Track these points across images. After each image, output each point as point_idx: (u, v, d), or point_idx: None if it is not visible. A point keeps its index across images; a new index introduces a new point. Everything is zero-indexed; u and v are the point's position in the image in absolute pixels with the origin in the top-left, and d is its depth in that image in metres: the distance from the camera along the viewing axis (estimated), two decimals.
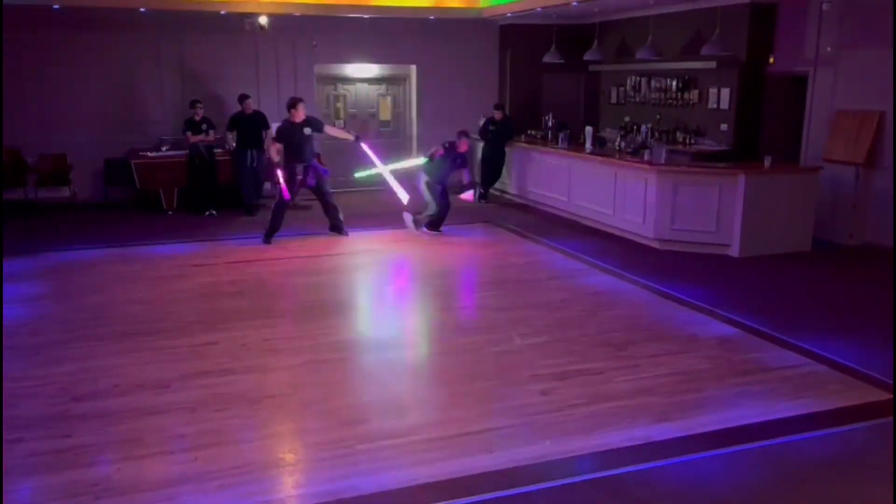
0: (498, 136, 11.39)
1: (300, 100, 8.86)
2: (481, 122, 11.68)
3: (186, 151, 10.54)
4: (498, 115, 11.46)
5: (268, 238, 8.67)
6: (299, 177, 8.74)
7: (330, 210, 9.10)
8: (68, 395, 4.51)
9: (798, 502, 3.47)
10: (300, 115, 8.72)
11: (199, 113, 10.50)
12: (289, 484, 3.64)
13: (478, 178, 11.57)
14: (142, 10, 10.29)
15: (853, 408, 4.38)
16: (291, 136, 8.72)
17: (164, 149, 10.88)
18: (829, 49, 8.76)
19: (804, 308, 6.37)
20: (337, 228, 9.13)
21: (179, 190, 10.65)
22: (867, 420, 4.22)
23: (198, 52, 11.42)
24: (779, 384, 4.70)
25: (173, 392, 4.60)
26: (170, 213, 10.55)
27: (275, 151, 8.91)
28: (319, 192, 9.03)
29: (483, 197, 11.37)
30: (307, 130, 8.78)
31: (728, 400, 4.47)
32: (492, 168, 11.51)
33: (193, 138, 10.44)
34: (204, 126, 10.54)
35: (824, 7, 7.93)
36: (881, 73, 8.16)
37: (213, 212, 10.45)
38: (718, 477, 3.67)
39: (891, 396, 4.52)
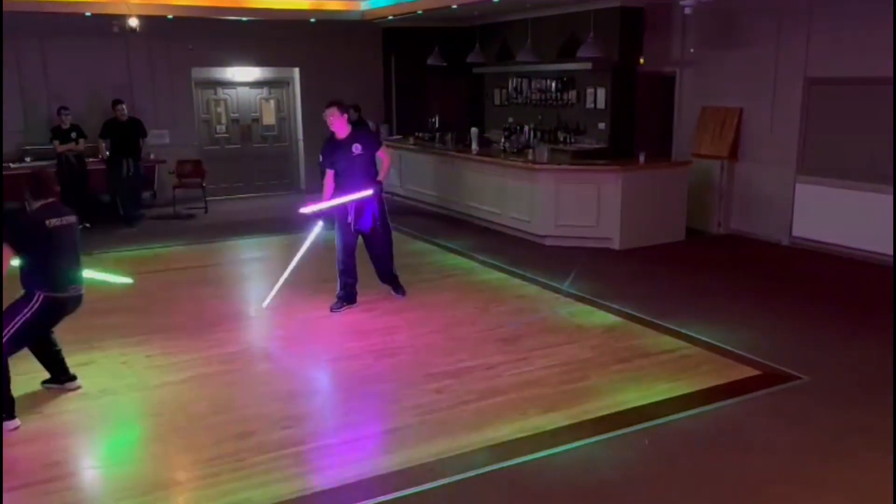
0: None
1: (336, 103, 6.04)
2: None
3: (54, 162, 9.92)
4: (354, 115, 11.36)
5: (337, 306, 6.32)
6: (349, 218, 6.12)
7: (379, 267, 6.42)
8: None
9: (679, 477, 3.67)
10: (340, 124, 5.99)
11: (67, 121, 9.91)
12: (180, 503, 3.50)
13: None
14: None
15: (725, 385, 4.68)
16: (336, 159, 6.08)
17: (27, 159, 10.19)
18: (692, 50, 9.33)
19: (680, 295, 6.74)
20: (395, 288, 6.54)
21: None
22: (738, 396, 4.52)
23: (63, 56, 10.74)
24: (658, 368, 4.96)
25: (46, 417, 4.32)
26: None
27: (326, 184, 6.18)
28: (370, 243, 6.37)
29: None
30: (357, 148, 6.01)
31: (612, 386, 4.67)
32: None
33: (61, 147, 9.85)
34: (73, 134, 9.95)
35: (686, 11, 8.43)
36: (739, 72, 8.78)
37: (87, 224, 9.87)
38: (605, 460, 3.83)
39: (759, 373, 4.87)
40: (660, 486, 3.59)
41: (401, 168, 11.56)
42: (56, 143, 9.87)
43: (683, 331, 5.63)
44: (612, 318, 5.99)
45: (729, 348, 5.26)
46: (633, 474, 3.69)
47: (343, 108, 5.97)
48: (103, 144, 10.20)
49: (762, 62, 8.51)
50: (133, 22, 10.47)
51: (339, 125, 5.95)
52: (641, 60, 9.97)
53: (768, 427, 4.16)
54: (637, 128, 10.23)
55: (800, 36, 8.10)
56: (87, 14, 10.01)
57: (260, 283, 7.64)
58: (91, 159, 10.22)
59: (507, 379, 4.79)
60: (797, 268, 7.67)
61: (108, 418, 4.30)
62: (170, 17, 10.60)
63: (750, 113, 8.79)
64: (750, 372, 4.88)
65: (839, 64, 7.73)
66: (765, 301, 6.48)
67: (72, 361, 5.13)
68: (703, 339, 5.46)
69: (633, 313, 6.06)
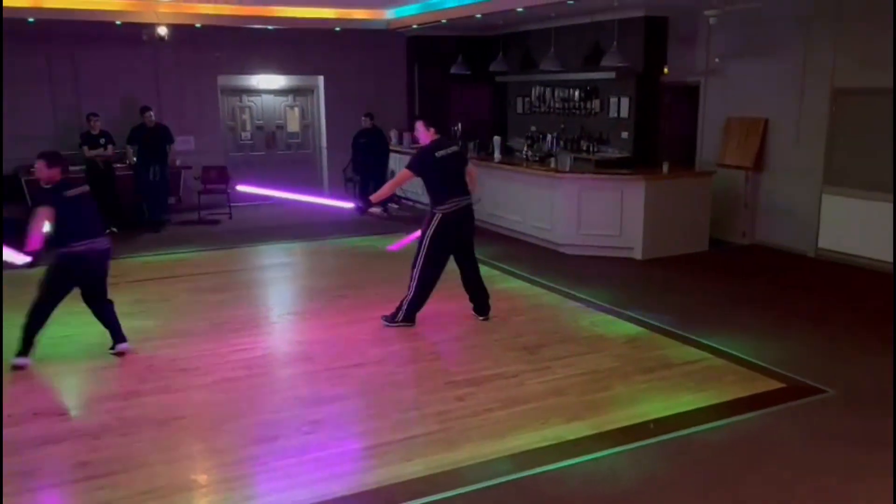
0: (369, 147, 11.32)
1: (419, 117, 6.23)
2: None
3: (83, 167, 10.08)
4: (367, 123, 11.41)
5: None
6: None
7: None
8: None
9: (702, 488, 3.64)
10: (423, 136, 6.07)
11: (96, 126, 10.08)
12: None
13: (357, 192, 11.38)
14: (30, 20, 9.78)
15: (749, 398, 4.64)
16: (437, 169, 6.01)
17: None
18: (716, 60, 9.27)
19: (703, 305, 6.68)
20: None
21: None
22: (763, 408, 4.47)
23: (93, 63, 10.94)
24: (682, 379, 4.93)
25: (74, 418, 4.38)
26: None
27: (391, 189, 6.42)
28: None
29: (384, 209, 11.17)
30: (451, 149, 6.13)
31: (635, 396, 4.64)
32: (368, 181, 11.11)
33: (90, 153, 10.01)
34: (102, 140, 10.12)
35: (711, 21, 8.40)
36: (764, 82, 8.72)
37: (114, 229, 10.02)
38: (627, 470, 3.81)
39: (783, 385, 4.81)
40: (683, 497, 3.56)
41: None
42: (85, 148, 10.04)
43: (707, 342, 5.58)
44: (634, 328, 5.96)
45: (753, 360, 5.21)
46: (657, 485, 3.66)
47: (427, 122, 6.06)
48: (131, 150, 10.36)
49: (788, 72, 8.44)
50: (162, 30, 10.66)
51: (423, 137, 6.10)
52: (666, 70, 9.94)
53: (793, 440, 4.11)
54: (661, 137, 10.18)
55: (826, 46, 8.03)
56: (118, 23, 10.19)
57: (278, 288, 7.71)
58: (118, 165, 10.38)
59: (530, 388, 4.78)
60: (823, 279, 7.57)
61: (134, 420, 4.35)
62: (198, 25, 10.75)
63: (775, 123, 8.71)
64: (775, 384, 4.83)
65: (866, 74, 7.65)
66: (790, 313, 6.41)
67: (98, 364, 5.22)
68: (727, 350, 5.41)
69: (656, 323, 6.02)
